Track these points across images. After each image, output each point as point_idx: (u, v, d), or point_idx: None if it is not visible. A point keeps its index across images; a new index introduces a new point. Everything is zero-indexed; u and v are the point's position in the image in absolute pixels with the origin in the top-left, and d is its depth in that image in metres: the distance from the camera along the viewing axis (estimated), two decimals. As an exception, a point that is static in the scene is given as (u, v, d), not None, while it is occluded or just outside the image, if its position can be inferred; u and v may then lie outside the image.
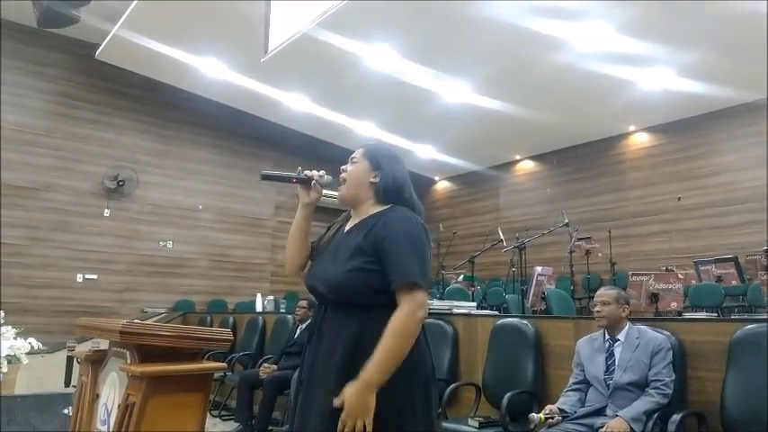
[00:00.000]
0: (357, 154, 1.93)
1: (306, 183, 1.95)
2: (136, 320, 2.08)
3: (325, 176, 1.96)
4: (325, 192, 2.00)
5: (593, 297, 8.89)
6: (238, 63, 8.87)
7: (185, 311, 9.29)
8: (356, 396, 1.59)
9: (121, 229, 9.69)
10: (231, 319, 7.28)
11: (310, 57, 7.86)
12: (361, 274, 1.73)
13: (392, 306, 1.71)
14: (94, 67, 9.50)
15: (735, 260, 6.79)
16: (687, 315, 4.96)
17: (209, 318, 8.00)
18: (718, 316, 5.70)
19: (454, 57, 8.01)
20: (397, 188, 1.87)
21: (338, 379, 1.68)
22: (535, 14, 6.84)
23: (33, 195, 8.89)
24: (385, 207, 1.85)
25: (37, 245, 8.81)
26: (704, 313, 5.56)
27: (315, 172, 1.95)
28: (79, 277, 9.14)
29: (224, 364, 2.20)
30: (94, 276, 9.28)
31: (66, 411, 4.21)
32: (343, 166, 1.94)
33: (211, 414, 5.97)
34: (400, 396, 1.67)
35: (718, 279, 6.79)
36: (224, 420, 5.71)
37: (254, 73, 8.92)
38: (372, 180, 1.87)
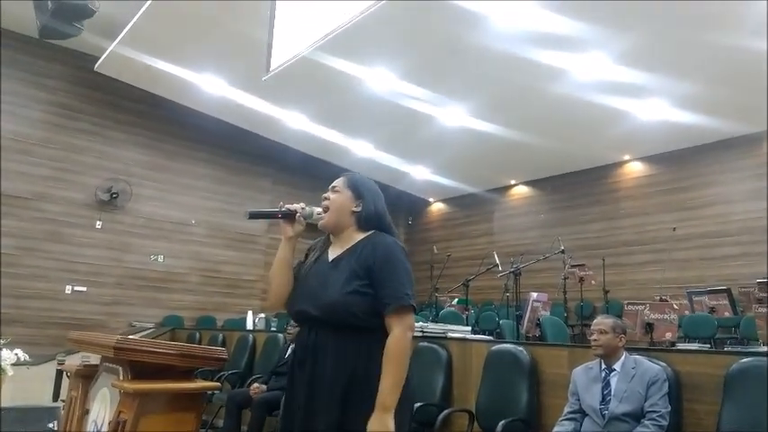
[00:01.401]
0: (338, 183, 2.02)
1: (290, 217, 2.01)
2: (130, 336, 2.05)
3: (307, 208, 2.03)
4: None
5: (585, 324, 8.86)
6: (238, 80, 8.91)
7: (174, 327, 9.19)
8: (380, 425, 1.69)
9: (113, 241, 9.63)
10: (221, 337, 7.19)
11: (310, 77, 7.91)
12: (358, 297, 1.82)
13: (382, 328, 1.82)
14: (93, 79, 9.52)
15: (728, 292, 6.79)
16: (681, 346, 4.94)
17: (198, 334, 7.89)
18: (711, 347, 5.69)
19: (453, 81, 8.08)
20: (379, 216, 1.99)
21: (342, 404, 1.76)
22: (534, 44, 6.92)
23: (27, 205, 8.84)
24: (368, 233, 1.96)
25: (28, 255, 8.74)
26: (696, 344, 5.55)
27: (296, 205, 2.02)
28: (68, 289, 9.05)
29: (218, 384, 2.18)
30: (84, 288, 9.19)
31: (51, 426, 4.15)
32: (324, 195, 2.02)
33: (198, 433, 5.87)
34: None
35: (711, 310, 6.78)
36: (210, 439, 5.62)
37: (253, 90, 8.97)
38: (354, 209, 1.97)
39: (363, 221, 1.96)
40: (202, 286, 10.53)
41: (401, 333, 1.78)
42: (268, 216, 2.08)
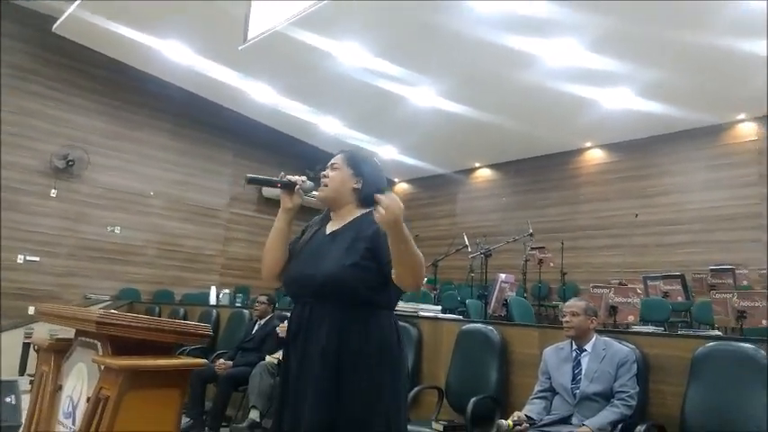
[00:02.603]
0: (338, 160, 1.98)
1: (289, 188, 1.97)
2: (112, 310, 1.98)
3: (307, 182, 1.99)
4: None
5: (542, 305, 9.06)
6: (205, 49, 8.67)
7: (131, 300, 8.99)
8: (396, 211, 1.68)
9: (68, 211, 9.31)
10: (182, 311, 7.08)
11: (282, 51, 7.76)
12: (357, 270, 1.79)
13: (380, 305, 1.82)
14: (52, 41, 9.11)
15: (681, 277, 7.04)
16: (637, 328, 5.10)
17: (157, 308, 7.75)
18: (664, 330, 5.90)
19: (424, 61, 8.06)
20: (379, 193, 1.93)
21: (332, 379, 1.74)
22: (508, 28, 6.96)
23: (-23, 170, 8.43)
24: (369, 209, 1.88)
25: (-23, 222, 8.36)
26: (651, 327, 5.75)
27: (297, 177, 1.98)
28: (20, 258, 8.72)
29: (204, 360, 2.13)
30: (37, 258, 8.88)
31: (9, 400, 4.01)
32: (323, 173, 1.98)
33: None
34: (387, 393, 1.76)
35: (665, 294, 7.02)
36: (171, 414, 5.54)
37: (221, 61, 8.75)
38: (355, 186, 1.94)
39: (364, 199, 1.92)
40: (160, 259, 10.31)
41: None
42: (267, 183, 2.01)
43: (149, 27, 8.34)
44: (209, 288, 8.35)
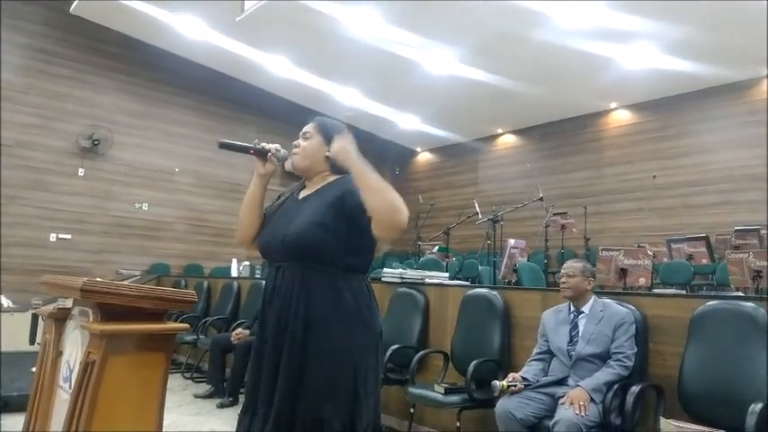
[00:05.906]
0: (309, 128, 2.00)
1: (262, 155, 2.00)
2: (98, 279, 2.06)
3: (282, 150, 2.01)
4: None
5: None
6: (217, 22, 8.68)
7: (160, 275, 9.24)
8: (348, 148, 1.79)
9: (96, 189, 9.55)
10: (205, 284, 7.26)
11: (293, 18, 7.74)
12: (322, 230, 1.81)
13: (350, 268, 1.84)
14: (72, 22, 9.25)
15: (706, 239, 6.89)
16: (658, 291, 5.03)
17: (183, 281, 7.97)
18: (686, 293, 5.81)
19: (439, 25, 7.91)
20: None
21: (303, 338, 1.78)
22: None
23: (7, 152, 8.68)
24: (342, 175, 1.93)
25: (10, 203, 8.64)
26: (673, 290, 5.66)
27: (271, 145, 2.01)
28: (53, 237, 9.02)
29: (185, 325, 2.21)
30: (68, 236, 9.17)
31: (33, 369, 4.20)
32: (295, 142, 2.00)
33: (184, 376, 6.01)
34: (356, 351, 1.80)
35: (689, 257, 6.89)
36: (196, 382, 5.74)
37: (234, 34, 8.76)
38: (327, 153, 1.94)
39: (336, 166, 1.93)
40: (190, 235, 10.54)
41: None
42: (240, 149, 2.03)
43: (162, 3, 8.36)
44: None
